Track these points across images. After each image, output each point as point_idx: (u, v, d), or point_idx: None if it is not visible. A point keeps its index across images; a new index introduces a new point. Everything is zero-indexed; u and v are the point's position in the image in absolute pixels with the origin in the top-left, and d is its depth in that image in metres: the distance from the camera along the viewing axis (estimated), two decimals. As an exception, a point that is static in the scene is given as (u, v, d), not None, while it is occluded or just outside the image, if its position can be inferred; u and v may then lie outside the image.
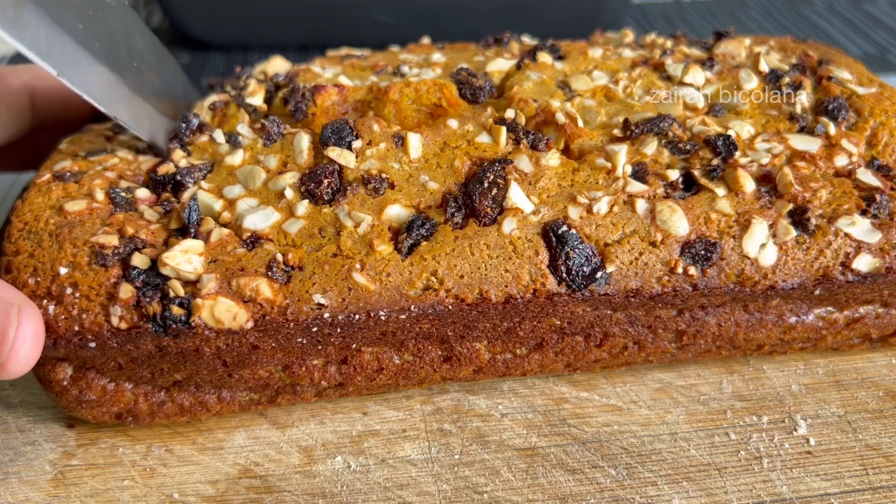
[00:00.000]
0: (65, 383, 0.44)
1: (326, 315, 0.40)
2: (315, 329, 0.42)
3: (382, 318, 0.41)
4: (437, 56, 0.57)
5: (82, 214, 0.43)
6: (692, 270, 0.43)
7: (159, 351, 0.42)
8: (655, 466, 0.45)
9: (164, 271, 0.40)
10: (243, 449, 0.46)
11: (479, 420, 0.48)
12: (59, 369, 0.43)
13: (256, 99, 0.51)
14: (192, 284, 0.40)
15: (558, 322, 0.45)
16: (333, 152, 0.45)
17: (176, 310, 0.39)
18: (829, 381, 0.50)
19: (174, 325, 0.40)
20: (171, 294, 0.40)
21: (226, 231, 0.42)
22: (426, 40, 0.63)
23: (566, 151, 0.47)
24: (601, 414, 0.48)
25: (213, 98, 0.52)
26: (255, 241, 0.42)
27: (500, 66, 0.54)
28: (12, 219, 0.44)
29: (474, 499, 0.43)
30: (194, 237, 0.42)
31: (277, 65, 0.57)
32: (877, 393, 0.49)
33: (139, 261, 0.41)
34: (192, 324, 0.40)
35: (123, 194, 0.44)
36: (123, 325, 0.40)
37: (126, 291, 0.40)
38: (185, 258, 0.40)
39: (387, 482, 0.44)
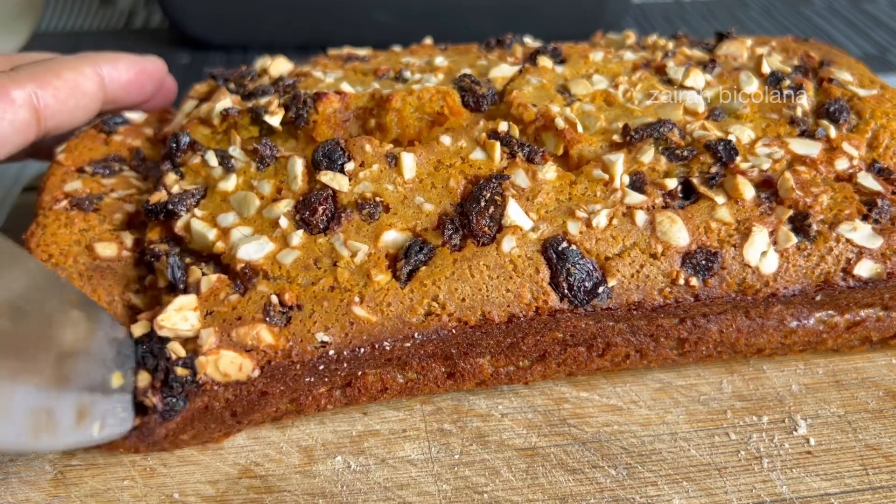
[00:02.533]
0: None
1: (332, 352, 0.40)
2: (322, 367, 0.41)
3: (387, 347, 0.41)
4: (440, 60, 0.57)
5: (112, 261, 0.43)
6: (694, 281, 0.43)
7: (168, 431, 0.41)
8: (655, 466, 0.45)
9: (163, 333, 0.39)
10: (243, 449, 0.46)
11: (479, 420, 0.48)
12: None
13: (275, 119, 0.49)
14: (193, 341, 0.39)
15: (561, 335, 0.45)
16: (326, 177, 0.44)
17: (180, 371, 0.39)
18: (829, 381, 0.50)
19: (181, 387, 0.39)
20: (173, 357, 0.39)
21: (214, 277, 0.41)
22: (428, 41, 0.63)
23: (565, 157, 0.47)
24: (601, 414, 0.48)
25: (227, 103, 0.50)
26: (248, 279, 0.41)
27: (503, 71, 0.54)
28: (31, 246, 0.44)
29: (474, 499, 0.43)
30: (185, 292, 0.41)
31: (280, 65, 0.56)
32: (877, 393, 0.49)
33: (139, 329, 0.40)
34: (200, 381, 0.39)
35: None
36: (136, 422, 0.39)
37: (143, 380, 0.39)
38: (181, 316, 0.39)
39: (387, 482, 0.44)
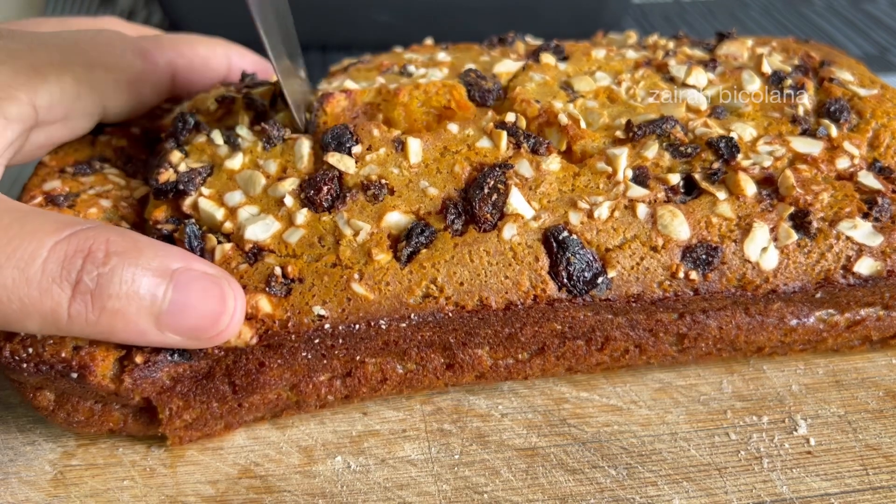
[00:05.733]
0: (51, 408, 0.43)
1: (327, 326, 0.40)
2: (317, 341, 0.41)
3: (383, 326, 0.41)
4: (443, 55, 0.57)
5: None
6: (693, 275, 0.43)
7: (172, 381, 0.42)
8: (655, 466, 0.45)
9: None
10: (243, 449, 0.46)
11: (479, 420, 0.48)
12: (40, 397, 0.43)
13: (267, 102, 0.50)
14: None
15: (559, 327, 0.45)
16: (333, 158, 0.44)
17: None
18: (829, 381, 0.50)
19: (187, 349, 0.40)
20: None
21: (228, 246, 0.42)
22: (429, 41, 0.63)
23: (568, 152, 0.47)
24: (601, 414, 0.48)
25: (222, 91, 0.52)
26: (257, 252, 0.42)
27: (507, 67, 0.54)
28: None
29: (474, 499, 0.43)
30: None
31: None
32: (877, 393, 0.49)
33: None
34: None
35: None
36: (139, 360, 0.39)
37: None
38: None
39: (387, 482, 0.44)
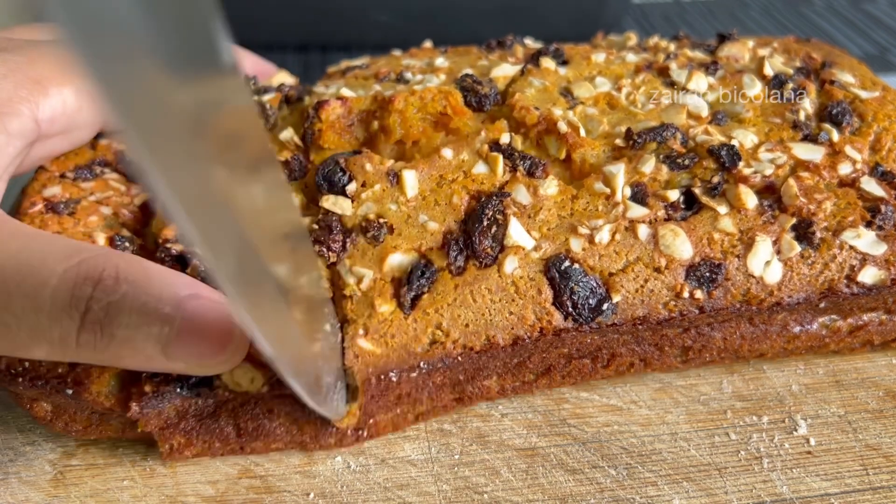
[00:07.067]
0: (48, 417, 0.43)
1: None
2: None
3: (393, 379, 0.40)
4: (441, 61, 0.56)
5: None
6: (698, 293, 0.42)
7: (177, 416, 0.41)
8: (655, 466, 0.45)
9: None
10: (243, 449, 0.46)
11: (479, 420, 0.48)
12: (37, 407, 0.43)
13: (287, 133, 0.49)
14: None
15: (566, 350, 0.45)
16: (328, 202, 0.43)
17: None
18: (829, 381, 0.50)
19: (196, 386, 0.39)
20: None
21: None
22: (428, 44, 0.63)
23: (567, 161, 0.47)
24: (601, 414, 0.48)
25: None
26: None
27: (505, 71, 0.53)
28: None
29: (474, 499, 0.43)
30: None
31: (283, 79, 0.57)
32: (877, 393, 0.49)
33: None
34: (214, 384, 0.39)
35: (127, 244, 0.44)
36: (148, 389, 0.39)
37: None
38: None
39: (387, 482, 0.44)
